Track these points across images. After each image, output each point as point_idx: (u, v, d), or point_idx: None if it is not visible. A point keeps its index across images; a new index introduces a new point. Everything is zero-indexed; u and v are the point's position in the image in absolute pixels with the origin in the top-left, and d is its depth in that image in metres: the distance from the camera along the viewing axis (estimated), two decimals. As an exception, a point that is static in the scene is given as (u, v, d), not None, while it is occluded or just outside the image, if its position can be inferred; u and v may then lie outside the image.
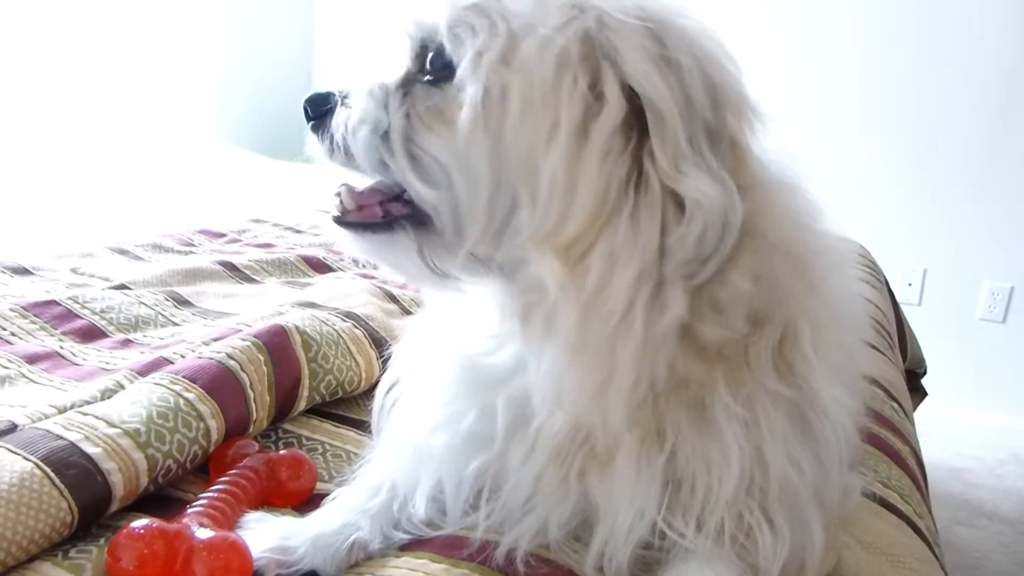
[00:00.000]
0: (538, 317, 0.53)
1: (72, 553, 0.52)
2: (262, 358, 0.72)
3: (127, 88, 2.81)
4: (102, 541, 0.54)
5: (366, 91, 0.58)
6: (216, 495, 0.58)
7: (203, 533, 0.52)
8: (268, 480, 0.63)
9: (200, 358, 0.69)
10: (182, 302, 0.97)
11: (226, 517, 0.56)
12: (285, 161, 2.81)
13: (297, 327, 0.78)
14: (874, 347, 1.24)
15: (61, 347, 0.79)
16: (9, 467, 0.51)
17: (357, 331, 0.85)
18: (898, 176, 2.86)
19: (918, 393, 2.24)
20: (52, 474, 0.52)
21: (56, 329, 0.83)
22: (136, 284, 1.01)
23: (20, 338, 0.80)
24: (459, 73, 0.53)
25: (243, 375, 0.69)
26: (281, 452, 0.66)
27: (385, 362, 0.81)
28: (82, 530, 0.54)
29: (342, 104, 0.59)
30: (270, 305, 0.93)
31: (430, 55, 0.56)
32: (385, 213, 0.58)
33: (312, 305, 0.92)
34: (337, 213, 0.59)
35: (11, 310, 0.83)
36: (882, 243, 2.85)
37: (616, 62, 0.51)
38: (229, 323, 0.86)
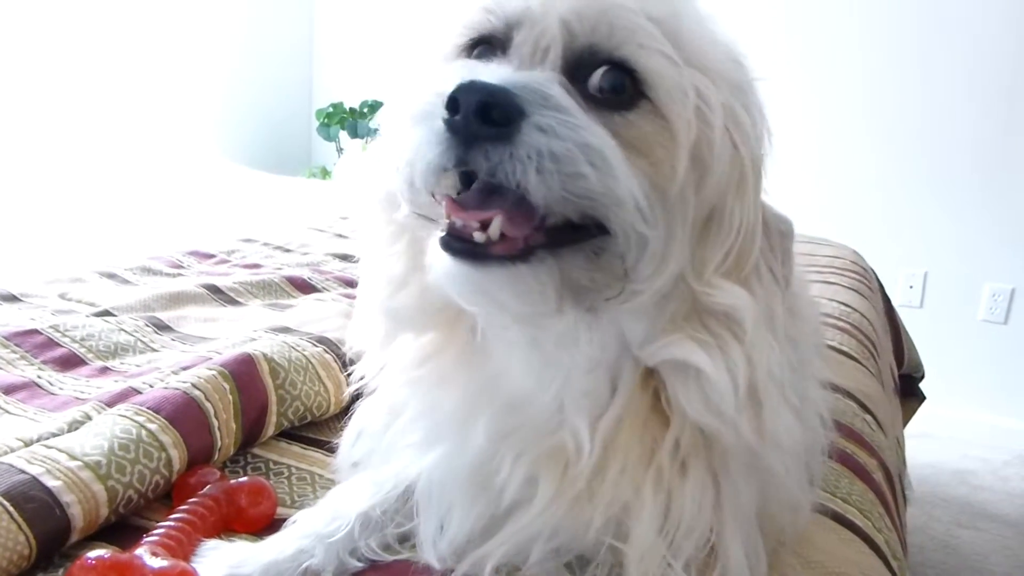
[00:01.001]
0: (734, 331, 0.55)
1: (30, 584, 0.54)
2: (227, 387, 0.74)
3: (128, 106, 2.86)
4: (61, 572, 0.56)
5: (560, 105, 0.50)
6: (173, 524, 0.60)
7: (156, 563, 0.54)
8: (228, 507, 0.65)
9: (166, 388, 0.71)
10: (162, 327, 1.00)
11: (181, 546, 0.58)
12: (287, 176, 2.85)
13: (265, 355, 0.81)
14: (852, 357, 1.25)
15: (39, 377, 0.81)
16: (-31, 503, 0.53)
17: (327, 356, 0.87)
18: (899, 179, 2.86)
19: (916, 397, 2.24)
20: (12, 508, 0.54)
21: (36, 358, 0.86)
22: (120, 309, 1.04)
23: (1, 368, 0.83)
24: (664, 107, 0.53)
25: (207, 404, 0.71)
26: (241, 479, 0.68)
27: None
28: (44, 560, 0.57)
29: (528, 115, 0.48)
30: (245, 330, 0.95)
31: (602, 71, 0.53)
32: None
33: (286, 330, 0.94)
34: (460, 242, 0.50)
35: (-8, 340, 0.86)
36: (883, 246, 2.85)
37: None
38: (203, 349, 0.88)
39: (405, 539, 0.64)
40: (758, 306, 0.56)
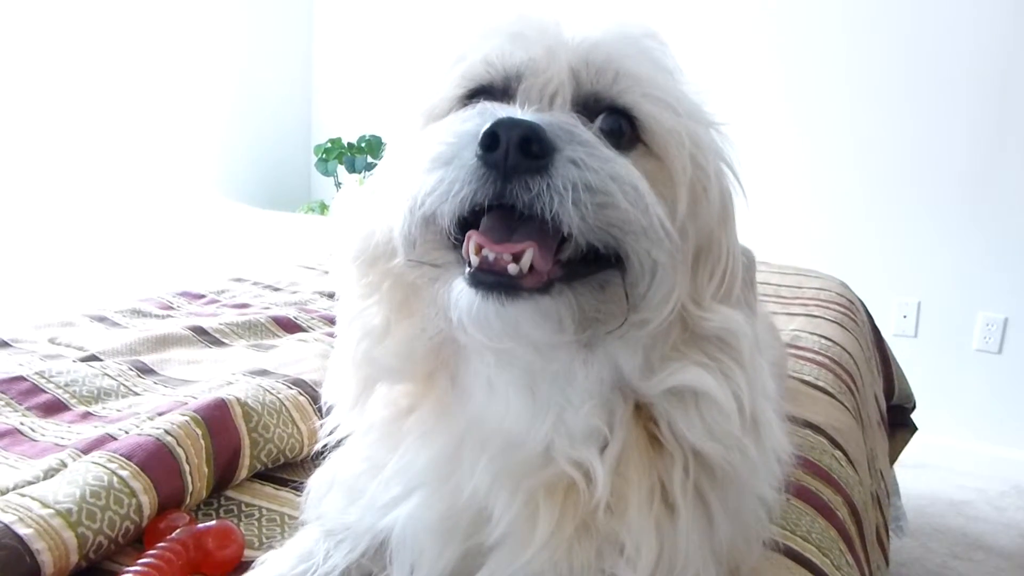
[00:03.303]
0: (732, 356, 0.58)
1: (-1, 630, 0.57)
2: (199, 432, 0.77)
3: (126, 143, 2.91)
4: (29, 617, 0.58)
5: (586, 140, 0.52)
6: (140, 569, 0.62)
7: (119, 608, 0.56)
8: (196, 551, 0.67)
9: (139, 435, 0.74)
10: (145, 371, 1.03)
11: (146, 591, 0.61)
12: (285, 212, 2.90)
13: (239, 399, 0.83)
14: (827, 392, 1.27)
15: (22, 424, 0.84)
16: (-58, 551, 0.56)
17: (301, 398, 0.90)
18: (892, 209, 2.89)
19: (907, 428, 2.24)
20: (-18, 556, 0.57)
21: (21, 404, 0.89)
22: (106, 354, 1.07)
23: (-15, 415, 0.86)
24: (661, 151, 0.57)
25: (179, 450, 0.74)
26: (209, 523, 0.70)
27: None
28: (14, 606, 0.59)
29: (560, 150, 0.51)
30: (224, 373, 0.98)
31: (603, 116, 0.57)
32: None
33: (263, 372, 0.97)
34: (493, 275, 0.51)
35: (-21, 388, 0.90)
36: (876, 276, 2.87)
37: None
38: (181, 394, 0.91)
39: None
40: (751, 328, 0.60)
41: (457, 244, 0.54)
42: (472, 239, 0.52)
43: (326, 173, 3.40)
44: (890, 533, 1.58)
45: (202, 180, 3.14)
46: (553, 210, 0.50)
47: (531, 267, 0.51)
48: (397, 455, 0.63)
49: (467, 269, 0.52)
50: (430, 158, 0.53)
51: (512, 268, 0.50)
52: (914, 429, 2.24)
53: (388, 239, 0.59)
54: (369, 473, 0.65)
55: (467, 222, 0.53)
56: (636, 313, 0.55)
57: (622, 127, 0.57)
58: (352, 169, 3.33)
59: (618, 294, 0.55)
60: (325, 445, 0.71)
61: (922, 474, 2.75)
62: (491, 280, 0.51)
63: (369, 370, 0.63)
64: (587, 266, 0.54)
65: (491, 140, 0.50)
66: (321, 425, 0.71)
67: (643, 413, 0.60)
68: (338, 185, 3.43)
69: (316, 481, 0.70)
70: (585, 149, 0.52)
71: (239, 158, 3.38)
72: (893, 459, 2.14)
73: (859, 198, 2.94)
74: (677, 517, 0.58)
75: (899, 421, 2.19)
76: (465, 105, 0.60)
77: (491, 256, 0.51)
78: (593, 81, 0.57)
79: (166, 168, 3.03)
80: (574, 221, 0.50)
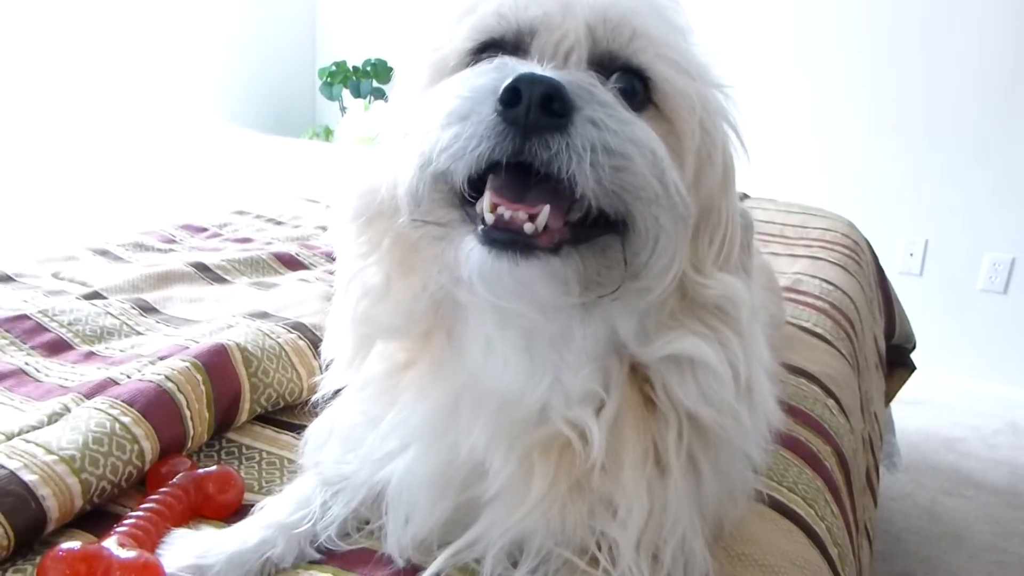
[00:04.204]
0: (729, 325, 0.59)
1: (9, 572, 0.59)
2: (200, 378, 0.79)
3: (128, 67, 2.86)
4: (38, 559, 0.61)
5: (605, 100, 0.52)
6: (142, 514, 0.64)
7: (122, 553, 0.59)
8: (197, 495, 0.70)
9: (141, 380, 0.76)
10: (148, 309, 1.04)
11: (149, 536, 0.63)
12: (289, 138, 2.87)
13: (238, 344, 0.85)
14: (824, 339, 1.28)
15: (27, 364, 0.86)
16: (-50, 497, 0.58)
17: (301, 342, 0.91)
18: (901, 146, 2.84)
19: (906, 368, 2.26)
20: (-10, 502, 0.59)
21: (25, 344, 0.91)
22: (109, 291, 1.08)
23: (-9, 354, 0.88)
24: (672, 113, 0.57)
25: (180, 396, 0.76)
26: (210, 468, 0.72)
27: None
28: (24, 547, 0.62)
29: (580, 109, 0.50)
30: (225, 315, 0.99)
31: (617, 75, 0.56)
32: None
33: (263, 315, 0.98)
34: (508, 233, 0.50)
35: (-16, 327, 0.91)
36: (884, 214, 2.85)
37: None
38: (182, 338, 0.92)
39: (362, 528, 0.68)
40: (749, 295, 0.60)
41: (469, 201, 0.53)
42: (487, 197, 0.51)
43: (331, 97, 3.35)
44: (880, 471, 1.61)
45: (205, 105, 3.10)
46: (570, 170, 0.49)
47: (544, 227, 0.51)
48: (394, 410, 0.64)
49: (479, 227, 0.51)
50: (445, 113, 0.52)
51: (528, 227, 0.50)
52: (913, 369, 2.26)
53: (392, 196, 0.58)
54: (366, 426, 0.66)
55: (474, 181, 0.52)
56: (636, 280, 0.55)
57: (635, 87, 0.56)
58: (357, 93, 3.28)
59: (618, 259, 0.55)
60: (323, 395, 0.73)
61: (918, 411, 2.79)
62: (506, 238, 0.51)
63: (368, 329, 0.63)
64: (590, 229, 0.54)
65: (512, 96, 0.48)
66: (319, 379, 0.72)
67: (638, 375, 0.61)
68: (343, 110, 3.39)
69: (314, 430, 0.72)
70: (604, 110, 0.51)
71: (243, 82, 3.32)
72: (890, 398, 2.17)
73: (868, 135, 2.89)
74: (668, 478, 0.59)
75: (898, 361, 2.21)
76: (476, 59, 0.58)
77: (507, 214, 0.50)
78: (609, 39, 0.56)
79: (168, 93, 2.99)
80: (589, 183, 0.50)
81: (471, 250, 0.52)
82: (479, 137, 0.50)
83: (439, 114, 0.52)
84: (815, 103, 2.92)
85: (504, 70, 0.51)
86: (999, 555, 2.08)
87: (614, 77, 0.56)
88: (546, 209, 0.50)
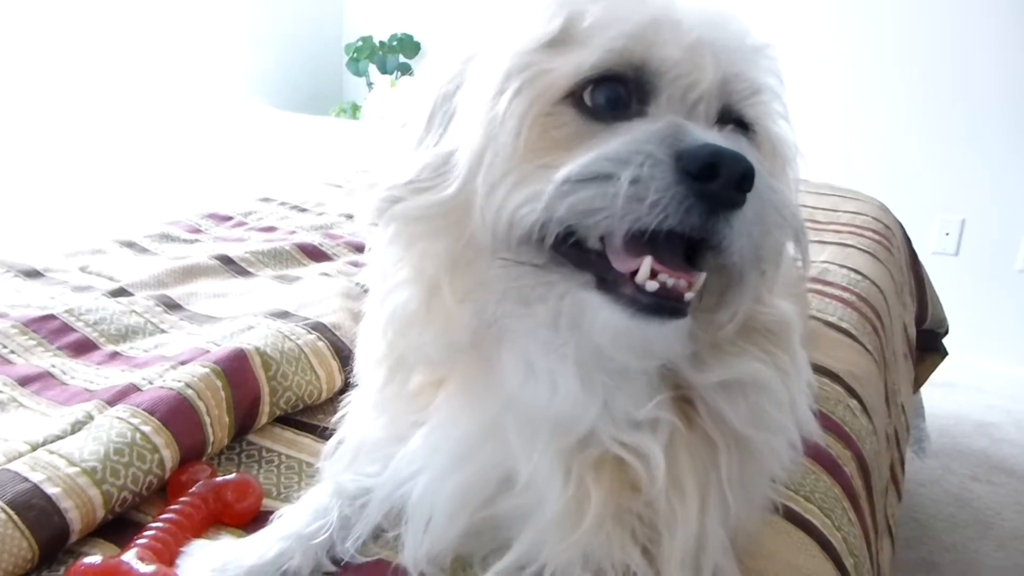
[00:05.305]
0: (782, 347, 0.60)
1: (33, 583, 0.61)
2: (220, 383, 0.80)
3: (153, 49, 2.88)
4: (61, 570, 0.63)
5: (758, 170, 0.50)
6: (161, 525, 0.66)
7: (142, 567, 0.60)
8: (216, 503, 0.71)
9: (161, 388, 0.77)
10: (172, 306, 1.06)
11: (168, 547, 0.64)
12: (316, 115, 2.87)
13: (258, 348, 0.86)
14: (849, 334, 1.26)
15: (52, 366, 0.88)
16: (-23, 511, 0.60)
17: (320, 343, 0.92)
18: (937, 123, 2.76)
19: (938, 353, 2.23)
20: (15, 517, 0.61)
21: (52, 344, 0.93)
22: (134, 286, 1.10)
23: (19, 356, 0.90)
24: (768, 158, 0.58)
25: (199, 403, 0.77)
26: (228, 476, 0.74)
27: (348, 371, 0.88)
28: (48, 559, 0.64)
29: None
30: (246, 315, 1.00)
31: (731, 127, 0.57)
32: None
33: (284, 315, 0.99)
34: (660, 300, 0.50)
35: (12, 327, 0.93)
36: (919, 192, 2.78)
37: None
38: (204, 339, 0.94)
39: (379, 536, 0.69)
40: (799, 319, 0.62)
41: (597, 258, 0.53)
42: (648, 263, 0.50)
43: (357, 73, 3.34)
44: (906, 460, 1.59)
45: (231, 84, 3.11)
46: (736, 243, 0.50)
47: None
48: (424, 431, 0.63)
49: (623, 288, 0.51)
50: (590, 167, 0.50)
51: (688, 296, 0.50)
52: (944, 354, 2.23)
53: (455, 223, 0.55)
54: (389, 442, 0.66)
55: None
56: (714, 316, 0.57)
57: (741, 137, 0.57)
58: (384, 69, 3.26)
59: (709, 303, 0.57)
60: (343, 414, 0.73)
61: (950, 393, 2.75)
62: (660, 305, 0.50)
63: (407, 357, 0.61)
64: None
65: (710, 171, 0.48)
66: (344, 400, 0.72)
67: (681, 397, 0.60)
68: (370, 85, 3.38)
69: (336, 441, 0.72)
70: (760, 180, 0.51)
71: (269, 59, 3.32)
72: (919, 384, 2.14)
73: (903, 111, 2.81)
74: (709, 497, 0.59)
75: (929, 346, 2.18)
76: (593, 88, 0.54)
77: (670, 282, 0.50)
78: (732, 92, 0.56)
79: (194, 71, 3.00)
80: (744, 252, 0.51)
81: (607, 311, 0.52)
82: (659, 206, 0.48)
83: (587, 165, 0.50)
84: (850, 79, 2.85)
85: (678, 135, 0.50)
86: (1028, 544, 2.06)
87: (727, 129, 0.56)
88: (702, 276, 0.51)
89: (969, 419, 2.67)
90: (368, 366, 0.65)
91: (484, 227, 0.54)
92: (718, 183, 0.48)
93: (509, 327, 0.58)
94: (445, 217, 0.56)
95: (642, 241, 0.50)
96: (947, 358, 2.21)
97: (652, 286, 0.50)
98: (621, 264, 0.52)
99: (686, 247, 0.53)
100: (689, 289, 0.51)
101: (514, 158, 0.52)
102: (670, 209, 0.48)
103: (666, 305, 0.50)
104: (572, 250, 0.53)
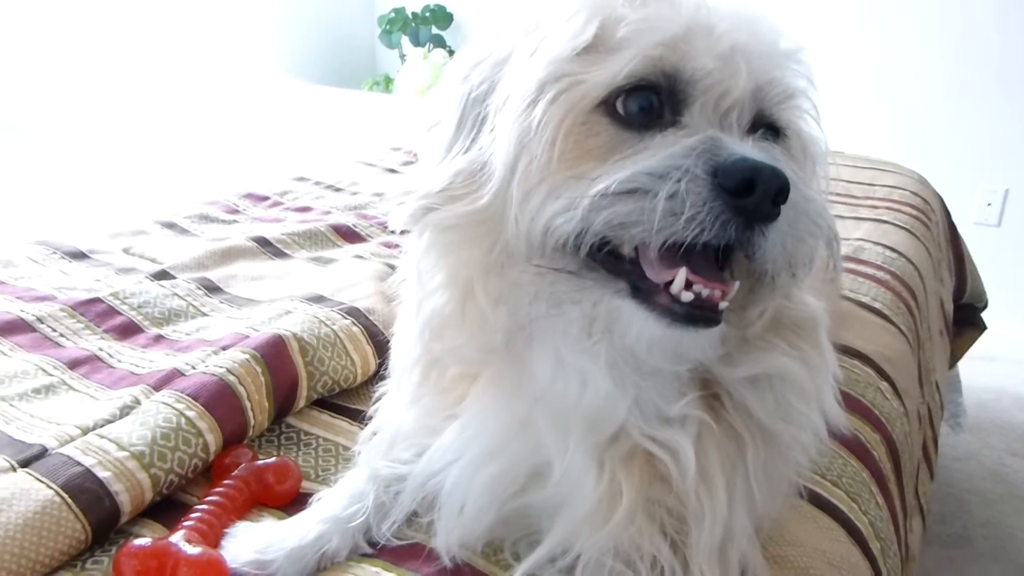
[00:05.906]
0: (809, 341, 0.62)
1: (88, 564, 0.65)
2: (259, 369, 0.83)
3: (186, 25, 2.90)
4: (113, 550, 0.66)
5: (794, 182, 0.51)
6: (206, 508, 0.69)
7: (189, 549, 0.63)
8: (257, 486, 0.74)
9: (204, 374, 0.80)
10: (213, 289, 1.09)
11: (213, 529, 0.67)
12: (349, 89, 2.88)
13: (295, 334, 0.88)
14: (882, 315, 1.25)
15: (100, 349, 0.91)
16: (35, 496, 0.63)
17: (355, 328, 0.94)
18: (979, 91, 2.69)
19: (976, 327, 2.19)
20: (69, 500, 0.64)
21: (99, 327, 0.96)
22: (176, 269, 1.13)
23: (68, 339, 0.93)
24: (797, 159, 0.60)
25: (241, 388, 0.80)
26: (269, 460, 0.77)
27: (382, 355, 0.90)
28: (101, 538, 0.67)
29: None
30: (284, 298, 1.03)
31: (762, 131, 0.58)
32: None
33: (319, 299, 1.01)
34: (695, 310, 0.52)
35: (60, 310, 0.97)
36: (961, 162, 2.72)
37: None
38: (243, 324, 0.97)
39: (412, 521, 0.72)
40: (825, 315, 0.63)
41: (631, 266, 0.54)
42: (683, 274, 0.51)
43: (390, 45, 3.33)
44: (938, 440, 1.58)
45: (264, 57, 3.12)
46: (771, 253, 0.51)
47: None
48: (458, 424, 0.65)
49: (659, 297, 0.52)
50: (630, 182, 0.51)
51: (723, 305, 0.52)
52: (983, 328, 2.19)
53: (489, 231, 0.56)
54: (424, 433, 0.68)
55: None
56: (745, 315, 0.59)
57: (770, 138, 0.58)
58: (416, 41, 3.25)
59: (739, 303, 0.58)
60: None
61: (989, 367, 2.70)
62: (695, 314, 0.52)
63: (443, 357, 0.62)
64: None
65: (747, 187, 0.49)
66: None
67: (708, 391, 0.62)
68: (402, 58, 3.37)
69: (371, 431, 0.74)
70: (795, 191, 0.51)
71: (301, 32, 3.33)
72: (956, 359, 2.12)
73: (944, 82, 2.73)
74: (735, 489, 0.60)
75: (968, 320, 2.14)
76: (626, 97, 0.55)
77: (704, 292, 0.52)
78: (765, 99, 0.57)
79: (227, 45, 3.02)
80: (778, 260, 0.52)
81: (642, 320, 0.53)
82: (695, 221, 0.49)
83: (617, 181, 0.51)
84: (889, 48, 2.78)
85: (714, 148, 0.51)
86: (1065, 520, 2.03)
87: (759, 133, 0.57)
88: (736, 285, 0.52)
89: (1009, 393, 2.63)
90: (404, 367, 0.67)
91: (518, 235, 0.55)
92: (754, 198, 0.49)
93: (540, 326, 0.59)
94: (479, 226, 0.57)
95: (677, 252, 0.51)
96: (986, 331, 2.17)
97: (687, 297, 0.51)
98: (655, 275, 0.53)
99: (719, 251, 0.54)
100: (723, 299, 0.52)
101: (548, 167, 0.53)
102: (707, 223, 0.49)
103: (701, 315, 0.51)
104: (606, 257, 0.55)
